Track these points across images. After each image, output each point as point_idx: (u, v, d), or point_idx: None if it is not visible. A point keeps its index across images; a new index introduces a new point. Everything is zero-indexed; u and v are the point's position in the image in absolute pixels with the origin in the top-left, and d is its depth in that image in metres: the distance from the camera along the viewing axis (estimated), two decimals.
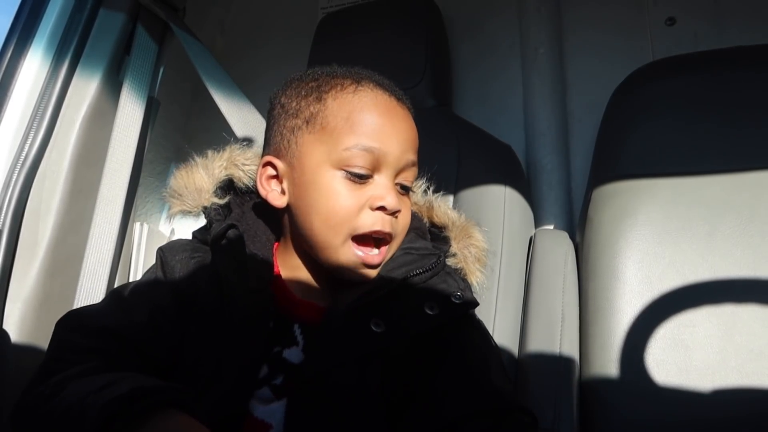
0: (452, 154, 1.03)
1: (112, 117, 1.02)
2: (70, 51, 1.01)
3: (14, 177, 0.93)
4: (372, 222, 0.63)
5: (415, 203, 0.78)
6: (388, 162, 0.64)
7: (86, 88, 1.01)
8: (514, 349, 0.87)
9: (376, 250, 0.65)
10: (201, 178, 0.72)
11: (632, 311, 0.83)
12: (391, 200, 0.63)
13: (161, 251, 0.71)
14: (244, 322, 0.63)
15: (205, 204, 0.71)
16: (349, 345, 0.62)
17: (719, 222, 0.85)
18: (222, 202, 0.72)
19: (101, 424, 0.47)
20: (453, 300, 0.66)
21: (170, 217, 0.74)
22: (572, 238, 1.00)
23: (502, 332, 0.87)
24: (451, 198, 0.99)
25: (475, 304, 0.70)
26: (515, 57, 1.34)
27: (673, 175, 0.90)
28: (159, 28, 1.11)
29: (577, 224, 1.02)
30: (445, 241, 0.75)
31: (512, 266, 0.93)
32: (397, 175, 0.66)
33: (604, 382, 0.81)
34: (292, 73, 0.75)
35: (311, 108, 0.67)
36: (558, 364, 0.83)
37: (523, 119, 1.30)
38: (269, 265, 0.68)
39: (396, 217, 0.65)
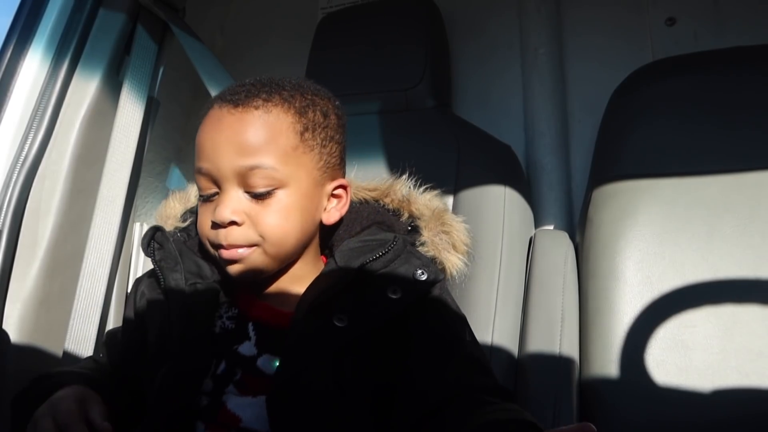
0: (452, 154, 1.03)
1: (112, 117, 1.02)
2: (70, 51, 1.00)
3: (14, 177, 0.93)
4: (214, 236, 0.67)
5: (397, 200, 0.79)
6: (216, 177, 0.66)
7: (86, 88, 1.01)
8: (514, 349, 0.87)
9: (230, 250, 0.66)
10: (172, 206, 0.80)
11: (632, 311, 0.84)
12: (218, 214, 0.65)
13: (135, 283, 0.78)
14: (190, 320, 0.67)
15: (169, 229, 0.77)
16: (315, 344, 0.63)
17: (719, 222, 0.85)
18: (184, 224, 0.78)
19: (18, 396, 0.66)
20: (415, 278, 0.66)
21: None
22: (572, 238, 1.00)
23: (502, 332, 0.87)
24: (451, 198, 0.99)
25: (439, 279, 0.70)
26: (515, 57, 1.34)
27: (673, 175, 0.90)
28: (159, 28, 1.11)
29: (577, 224, 1.02)
30: (416, 230, 0.75)
31: (512, 266, 0.93)
32: (240, 184, 0.65)
33: (604, 383, 0.81)
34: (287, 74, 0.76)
35: None
36: (558, 364, 0.83)
37: (523, 119, 1.31)
38: (213, 268, 0.71)
39: (239, 225, 0.65)
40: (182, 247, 0.73)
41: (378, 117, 1.13)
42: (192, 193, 0.82)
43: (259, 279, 0.70)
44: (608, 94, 1.05)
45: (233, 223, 0.65)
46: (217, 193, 0.67)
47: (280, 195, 0.66)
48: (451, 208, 0.98)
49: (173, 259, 0.71)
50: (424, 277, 0.67)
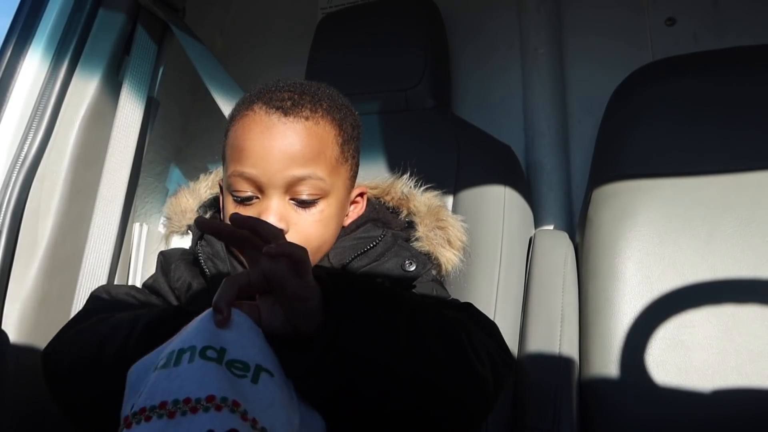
0: (452, 154, 1.03)
1: (112, 117, 1.02)
2: (70, 51, 1.00)
3: (13, 177, 0.93)
4: None
5: (397, 197, 0.81)
6: (265, 183, 0.66)
7: (86, 88, 1.01)
8: (514, 349, 0.87)
9: None
10: (185, 201, 0.81)
11: (632, 311, 0.83)
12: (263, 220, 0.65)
13: (161, 255, 0.79)
14: None
15: (189, 223, 0.79)
16: None
17: (719, 222, 0.85)
18: None
19: (152, 324, 0.56)
20: (404, 270, 0.69)
21: (165, 239, 0.84)
22: (572, 238, 1.00)
23: (502, 332, 0.86)
24: (450, 198, 0.99)
25: (427, 269, 0.72)
26: (515, 57, 1.34)
27: (673, 175, 0.90)
28: (158, 28, 1.11)
29: (577, 224, 1.02)
30: (413, 226, 0.78)
31: (512, 267, 0.93)
32: (286, 191, 0.67)
33: (604, 383, 0.81)
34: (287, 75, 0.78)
35: (223, 139, 0.74)
36: (558, 364, 0.83)
37: (523, 120, 1.30)
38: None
39: (285, 232, 0.66)
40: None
41: (378, 117, 1.13)
42: (201, 189, 0.83)
43: None
44: (608, 94, 1.04)
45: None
46: (256, 198, 0.67)
47: (323, 205, 0.68)
48: (450, 208, 0.98)
49: (222, 260, 0.72)
50: (412, 268, 0.70)
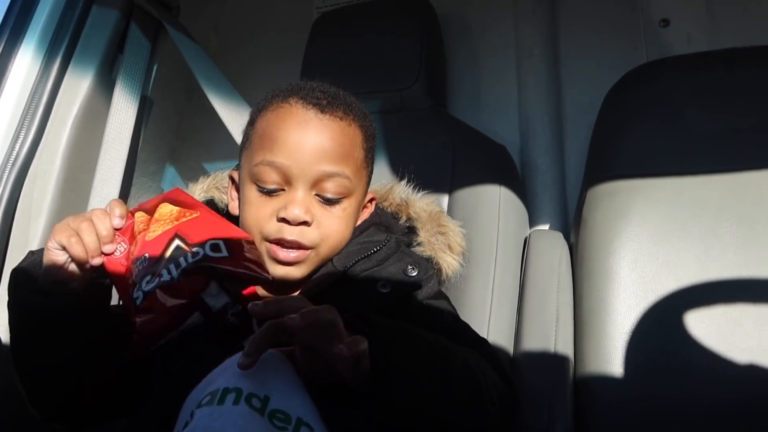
0: (447, 154, 1.03)
1: (105, 116, 1.02)
2: (62, 48, 1.00)
3: (5, 177, 0.92)
4: (276, 230, 0.67)
5: (396, 203, 0.83)
6: (295, 175, 0.67)
7: (78, 86, 1.00)
8: (509, 349, 0.88)
9: (288, 251, 0.67)
10: None
11: (626, 311, 0.84)
12: (291, 212, 0.66)
13: None
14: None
15: None
16: None
17: (713, 223, 0.86)
18: None
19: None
20: (406, 274, 0.70)
21: None
22: (567, 238, 1.00)
23: (497, 332, 0.87)
24: (446, 198, 0.99)
25: (429, 274, 0.73)
26: (510, 58, 1.35)
27: (667, 175, 0.91)
28: (152, 26, 1.11)
29: (572, 225, 1.03)
30: (414, 231, 0.79)
31: (507, 267, 0.93)
32: (313, 186, 0.68)
33: (599, 382, 0.81)
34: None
35: (248, 129, 0.74)
36: (553, 364, 0.83)
37: (517, 120, 1.31)
38: None
39: (308, 225, 0.67)
40: None
41: (374, 117, 1.13)
42: (197, 192, 0.83)
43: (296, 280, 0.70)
44: (603, 94, 1.05)
45: (304, 222, 0.67)
46: (282, 189, 0.68)
47: (345, 204, 0.70)
48: (446, 208, 0.98)
49: None
50: (414, 273, 0.71)
